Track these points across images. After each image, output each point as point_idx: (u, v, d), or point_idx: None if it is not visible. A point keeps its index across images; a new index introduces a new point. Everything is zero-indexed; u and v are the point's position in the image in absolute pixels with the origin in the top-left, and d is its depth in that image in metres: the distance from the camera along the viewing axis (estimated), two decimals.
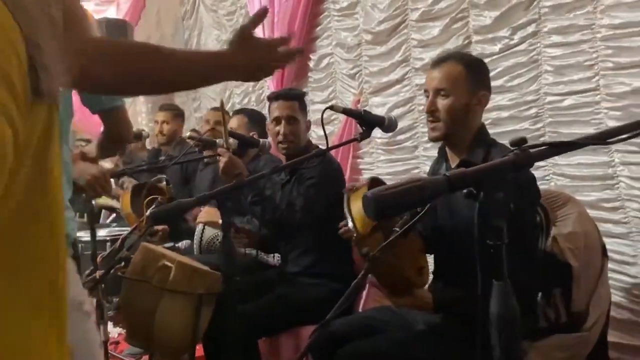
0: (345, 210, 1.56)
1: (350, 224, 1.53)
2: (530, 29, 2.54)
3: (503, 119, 2.69)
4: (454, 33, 2.90)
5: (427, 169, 2.43)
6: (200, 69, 1.12)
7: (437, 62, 1.82)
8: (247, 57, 1.11)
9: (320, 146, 2.50)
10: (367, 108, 3.47)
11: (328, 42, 3.83)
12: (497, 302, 0.91)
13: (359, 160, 3.66)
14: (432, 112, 1.78)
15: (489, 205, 0.89)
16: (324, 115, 1.92)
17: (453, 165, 1.87)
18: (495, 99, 2.54)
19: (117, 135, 1.76)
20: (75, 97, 1.62)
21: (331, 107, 1.86)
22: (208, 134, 3.25)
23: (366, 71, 3.52)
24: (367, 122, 1.84)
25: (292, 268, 2.45)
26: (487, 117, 2.48)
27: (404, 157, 3.33)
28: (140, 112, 6.64)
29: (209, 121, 3.48)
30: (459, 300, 1.62)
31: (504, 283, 0.91)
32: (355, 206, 1.58)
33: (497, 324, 0.91)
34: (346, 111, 1.84)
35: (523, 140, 0.92)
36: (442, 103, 1.76)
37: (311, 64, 3.98)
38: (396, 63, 3.29)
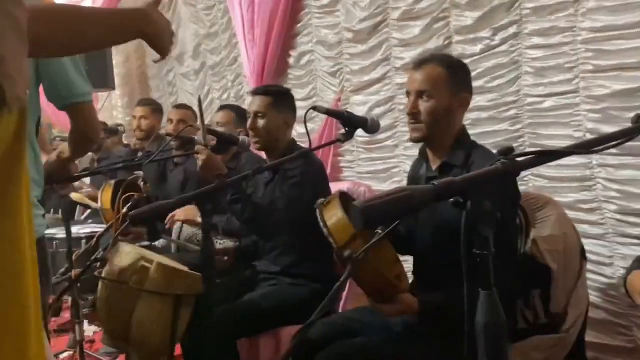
0: (320, 223, 1.54)
1: (326, 234, 1.51)
2: (512, 30, 2.55)
3: (483, 119, 2.70)
4: (434, 33, 2.90)
5: (408, 168, 2.44)
6: (119, 18, 1.14)
7: (419, 64, 1.82)
8: (161, 18, 1.17)
9: (302, 145, 2.49)
10: (348, 106, 3.48)
11: (308, 39, 3.81)
12: (484, 311, 0.90)
13: (339, 158, 3.66)
14: (414, 114, 1.78)
15: (477, 214, 0.89)
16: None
17: (434, 167, 1.87)
18: (475, 100, 2.54)
19: (81, 133, 1.71)
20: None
21: (314, 108, 1.84)
22: (174, 133, 3.20)
23: (347, 69, 3.51)
24: (350, 123, 1.84)
25: (272, 268, 2.43)
26: (467, 118, 2.48)
27: (385, 156, 3.33)
28: (116, 106, 6.54)
29: (172, 120, 3.41)
30: (444, 306, 1.62)
31: (491, 292, 0.90)
32: (330, 217, 1.56)
33: (484, 333, 0.90)
34: (329, 112, 1.83)
35: (510, 149, 0.92)
36: (424, 105, 1.76)
37: (291, 61, 3.95)
38: (377, 62, 3.28)
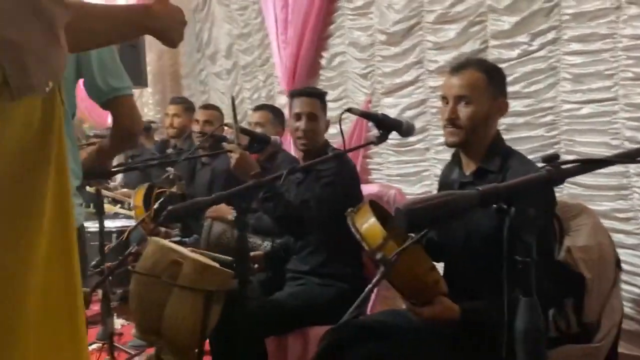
0: (352, 229, 1.55)
1: (358, 238, 1.52)
2: (550, 35, 2.52)
3: (518, 125, 2.67)
4: (470, 37, 2.88)
5: (438, 172, 2.42)
6: (122, 15, 1.16)
7: (457, 69, 1.81)
8: (167, 13, 1.18)
9: (335, 146, 2.50)
10: (378, 108, 3.48)
11: (341, 40, 3.82)
12: (525, 317, 0.90)
13: (368, 160, 3.66)
14: (452, 119, 1.77)
15: (520, 221, 0.88)
16: (335, 115, 1.92)
17: (467, 172, 1.86)
18: (511, 105, 2.51)
19: (123, 128, 1.73)
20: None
21: (349, 110, 1.85)
22: (198, 136, 3.22)
23: (379, 71, 3.51)
24: (384, 125, 1.83)
25: (301, 267, 2.44)
26: (502, 123, 2.47)
27: (415, 159, 3.32)
28: (147, 103, 6.63)
29: (199, 120, 3.43)
30: (484, 314, 1.60)
31: (531, 299, 0.90)
32: (362, 223, 1.57)
33: (523, 340, 0.90)
34: (364, 114, 1.83)
35: (555, 156, 0.91)
36: (464, 111, 1.75)
37: (323, 62, 3.96)
38: (410, 64, 3.27)
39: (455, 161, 1.94)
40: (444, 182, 2.00)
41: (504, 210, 0.89)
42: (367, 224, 1.55)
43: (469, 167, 1.86)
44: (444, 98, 1.81)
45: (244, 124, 3.46)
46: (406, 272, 1.49)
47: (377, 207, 1.71)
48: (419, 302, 1.59)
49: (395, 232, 1.56)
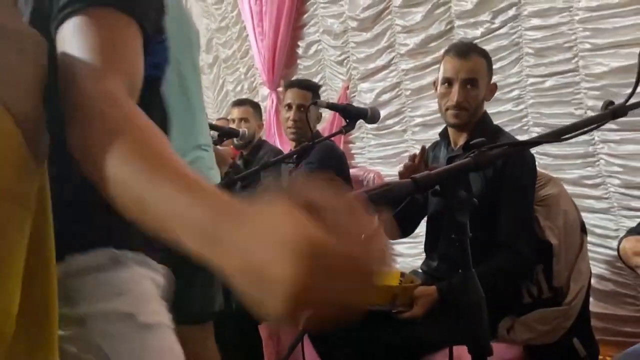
0: None
1: None
2: (511, 12, 2.59)
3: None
4: (436, 18, 2.95)
5: (417, 152, 2.50)
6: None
7: (463, 53, 1.84)
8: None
9: (324, 135, 2.58)
10: (356, 94, 3.55)
11: (315, 29, 3.87)
12: (464, 289, 1.00)
13: (350, 145, 3.73)
14: (460, 102, 1.81)
15: (453, 203, 0.97)
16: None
17: (456, 147, 1.92)
18: None
19: None
20: None
21: (315, 103, 1.93)
22: None
23: (353, 57, 3.57)
24: (350, 115, 1.90)
25: None
26: None
27: (394, 141, 3.40)
28: None
29: None
30: (458, 285, 1.70)
31: (469, 272, 1.00)
32: None
33: (464, 310, 1.00)
34: (329, 106, 1.90)
35: (482, 142, 1.00)
36: (471, 94, 1.81)
37: (300, 52, 4.02)
38: (382, 49, 3.34)
39: (444, 138, 2.00)
40: (431, 162, 2.08)
41: (439, 194, 0.99)
42: None
43: (457, 143, 1.93)
44: (447, 80, 1.83)
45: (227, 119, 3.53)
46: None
47: None
48: (403, 306, 1.70)
49: None
